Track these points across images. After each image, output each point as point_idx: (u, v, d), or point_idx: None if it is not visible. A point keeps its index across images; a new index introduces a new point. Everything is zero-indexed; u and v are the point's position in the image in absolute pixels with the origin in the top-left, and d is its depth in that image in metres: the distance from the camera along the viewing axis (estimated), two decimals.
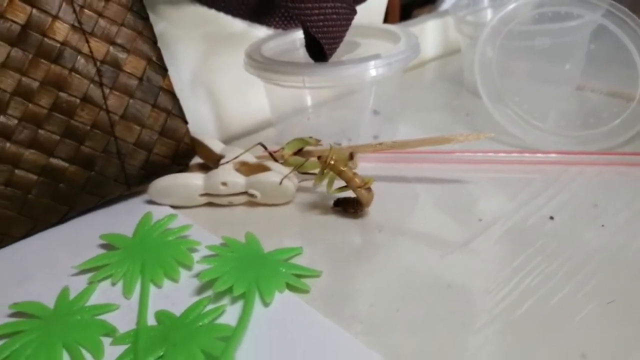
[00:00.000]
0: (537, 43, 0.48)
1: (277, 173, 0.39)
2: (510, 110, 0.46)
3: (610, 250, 0.33)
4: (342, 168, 0.36)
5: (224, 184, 0.38)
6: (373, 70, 0.41)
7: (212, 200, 0.40)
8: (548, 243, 0.34)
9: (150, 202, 0.40)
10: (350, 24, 0.42)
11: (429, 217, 0.38)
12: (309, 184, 0.41)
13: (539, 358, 0.26)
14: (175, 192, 0.39)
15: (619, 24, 0.45)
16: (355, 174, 0.37)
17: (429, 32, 0.69)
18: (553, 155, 0.43)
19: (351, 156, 0.37)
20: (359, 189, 0.36)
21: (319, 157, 0.37)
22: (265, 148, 0.40)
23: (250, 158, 0.40)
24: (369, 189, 0.37)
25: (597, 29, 0.47)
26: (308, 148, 0.41)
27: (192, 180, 0.39)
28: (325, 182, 0.38)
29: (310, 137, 0.39)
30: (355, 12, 0.42)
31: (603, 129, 0.45)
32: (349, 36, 0.44)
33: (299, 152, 0.40)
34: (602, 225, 0.35)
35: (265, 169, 0.39)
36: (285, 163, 0.39)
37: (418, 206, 0.40)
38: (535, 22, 0.49)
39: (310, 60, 0.44)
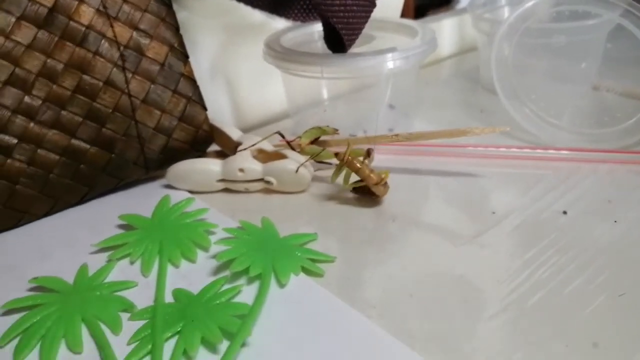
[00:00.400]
0: (554, 41, 0.48)
1: (293, 161, 0.39)
2: (526, 107, 0.47)
3: (622, 245, 0.33)
4: (358, 166, 0.37)
5: (241, 170, 0.39)
6: (390, 62, 0.42)
7: (228, 187, 0.40)
8: (560, 237, 0.34)
9: (168, 186, 0.41)
10: (369, 16, 0.42)
11: (442, 209, 0.38)
12: (324, 173, 0.41)
13: (551, 346, 0.26)
14: (192, 177, 0.40)
15: (637, 23, 0.46)
16: (372, 170, 0.37)
17: (445, 29, 0.70)
18: (566, 152, 0.43)
19: (368, 153, 0.37)
20: (375, 186, 0.37)
21: (336, 154, 0.38)
22: (283, 136, 0.41)
23: (267, 146, 0.41)
24: (385, 184, 0.37)
25: (614, 29, 0.48)
26: (325, 137, 0.41)
27: (210, 166, 0.39)
28: (342, 175, 0.38)
29: (327, 126, 0.40)
30: (374, 5, 0.42)
31: (617, 128, 0.45)
32: (366, 29, 0.44)
33: (315, 141, 0.41)
34: (615, 221, 0.35)
35: (282, 156, 0.40)
36: (302, 152, 0.40)
37: (431, 198, 0.40)
38: (552, 20, 0.49)
39: (328, 52, 0.44)
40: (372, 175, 0.37)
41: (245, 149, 0.40)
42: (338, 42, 0.43)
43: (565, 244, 0.34)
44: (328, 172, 0.40)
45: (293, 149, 0.41)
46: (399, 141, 0.40)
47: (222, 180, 0.40)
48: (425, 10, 0.89)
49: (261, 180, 0.40)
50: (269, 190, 0.40)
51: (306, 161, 0.39)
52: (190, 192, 0.40)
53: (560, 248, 0.33)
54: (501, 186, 0.41)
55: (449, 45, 0.71)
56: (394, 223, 0.37)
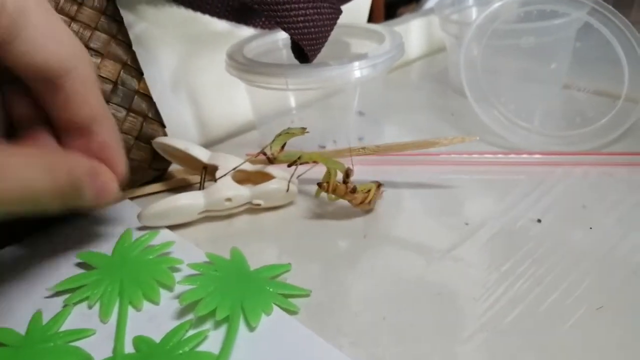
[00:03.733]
0: (522, 42, 0.48)
1: (281, 180, 0.38)
2: (496, 110, 0.46)
3: (598, 253, 0.32)
4: (342, 193, 0.36)
5: (229, 199, 0.37)
6: (357, 71, 0.41)
7: (211, 215, 0.38)
8: (536, 246, 0.33)
9: (130, 211, 0.39)
10: (334, 24, 0.41)
11: (414, 221, 0.37)
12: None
13: None
14: (172, 216, 0.36)
15: (604, 21, 0.45)
16: (355, 190, 0.36)
17: (413, 31, 0.69)
18: (539, 156, 0.42)
19: (347, 174, 0.36)
20: (360, 205, 0.37)
21: (319, 185, 0.36)
22: (265, 154, 0.38)
23: (244, 165, 0.39)
24: (369, 202, 0.37)
25: (582, 27, 0.47)
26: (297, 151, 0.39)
27: (191, 201, 0.36)
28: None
29: (293, 128, 0.38)
30: (340, 12, 0.41)
31: (589, 129, 0.44)
32: (333, 35, 0.43)
33: (284, 146, 0.38)
34: (590, 228, 0.35)
35: (266, 176, 0.38)
36: (276, 160, 0.38)
37: (403, 210, 0.39)
38: (520, 20, 0.48)
39: (294, 61, 0.43)
40: (356, 195, 0.36)
41: (225, 175, 0.37)
42: (303, 52, 0.41)
43: (541, 254, 0.33)
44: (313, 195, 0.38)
45: (272, 162, 0.39)
46: (366, 154, 0.39)
47: (205, 211, 0.37)
48: (395, 7, 0.89)
49: (247, 203, 0.38)
50: (240, 212, 0.39)
51: (292, 176, 0.37)
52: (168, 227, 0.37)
53: (536, 259, 0.32)
54: (474, 195, 0.40)
55: (417, 46, 0.70)
56: (365, 239, 0.35)
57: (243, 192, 0.37)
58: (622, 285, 0.30)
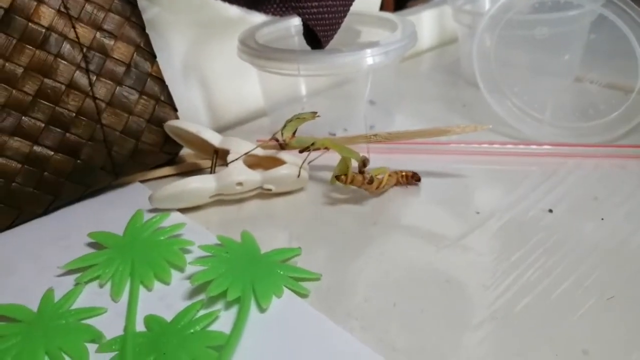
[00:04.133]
0: (536, 32, 0.47)
1: (292, 165, 0.38)
2: (509, 101, 0.46)
3: (609, 244, 0.32)
4: (359, 184, 0.37)
5: (240, 184, 0.37)
6: (370, 58, 0.40)
7: (222, 198, 0.38)
8: (547, 237, 0.33)
9: (141, 193, 0.39)
10: (348, 10, 0.41)
11: (424, 210, 0.37)
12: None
13: (540, 354, 0.25)
14: (183, 198, 0.36)
15: (618, 13, 0.44)
16: (371, 180, 0.37)
17: (425, 22, 0.68)
18: (550, 147, 0.42)
19: (364, 163, 0.36)
20: (375, 190, 0.37)
21: (337, 177, 0.36)
22: (277, 140, 0.38)
23: (257, 150, 0.39)
24: (381, 186, 0.37)
25: (597, 19, 0.47)
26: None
27: (203, 184, 0.36)
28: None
29: (303, 113, 0.38)
30: None
31: (601, 121, 0.44)
32: (345, 23, 0.43)
33: (295, 132, 0.38)
34: (602, 219, 0.34)
35: (277, 161, 0.38)
36: (288, 146, 0.38)
37: (413, 198, 0.39)
38: (534, 11, 0.48)
39: (306, 48, 0.43)
40: (373, 184, 0.37)
41: (237, 159, 0.37)
42: (316, 38, 0.41)
43: (552, 244, 0.32)
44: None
45: (284, 148, 0.39)
46: (377, 141, 0.39)
47: (216, 195, 0.37)
48: (404, 1, 0.88)
49: (258, 188, 0.38)
50: (251, 196, 0.39)
51: (304, 162, 0.38)
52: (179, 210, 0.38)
53: (547, 249, 0.32)
54: (485, 184, 0.40)
55: (428, 37, 0.69)
56: (375, 226, 0.35)
57: (254, 177, 0.37)
58: (633, 277, 0.30)
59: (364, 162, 0.36)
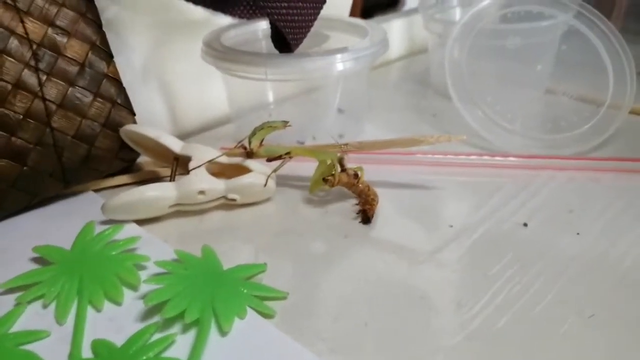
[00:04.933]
0: (508, 43, 0.47)
1: (259, 174, 0.35)
2: (480, 111, 0.45)
3: (587, 259, 0.31)
4: (346, 181, 0.35)
5: (202, 192, 0.34)
6: (340, 64, 0.39)
7: (182, 209, 0.35)
8: (523, 251, 0.32)
9: (94, 204, 0.36)
10: (318, 14, 0.39)
11: (397, 222, 0.36)
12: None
13: None
14: (140, 208, 0.34)
15: (589, 25, 0.44)
16: (357, 175, 0.35)
17: (394, 31, 0.67)
18: (524, 159, 0.41)
19: (341, 163, 0.34)
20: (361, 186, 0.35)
21: (325, 180, 0.34)
22: (245, 148, 0.36)
23: (221, 158, 0.36)
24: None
25: (568, 31, 0.46)
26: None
27: (163, 193, 0.34)
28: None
29: (275, 121, 0.36)
30: (324, 2, 0.39)
31: (574, 133, 0.43)
32: (315, 28, 0.41)
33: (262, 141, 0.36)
34: (578, 233, 0.33)
35: (243, 169, 0.36)
36: (255, 155, 0.36)
37: (386, 210, 0.37)
38: (506, 21, 0.48)
39: (274, 51, 0.41)
40: (360, 180, 0.35)
41: (199, 166, 0.35)
42: (284, 42, 0.39)
43: (529, 259, 0.31)
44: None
45: (251, 156, 0.36)
46: (349, 151, 0.37)
47: (176, 204, 0.35)
48: (371, 12, 0.87)
49: (222, 198, 0.35)
50: (213, 207, 0.36)
51: (272, 172, 0.35)
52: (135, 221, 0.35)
53: (523, 264, 0.31)
54: (457, 196, 0.38)
55: (398, 47, 0.69)
56: (346, 239, 0.33)
57: (218, 186, 0.35)
58: (613, 292, 0.29)
59: (341, 162, 0.34)
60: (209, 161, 0.35)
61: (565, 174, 0.40)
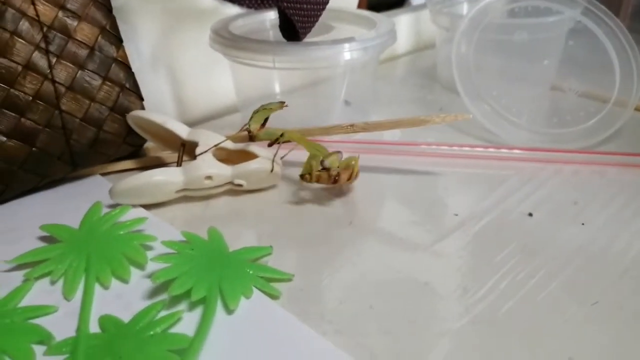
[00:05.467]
0: (515, 37, 0.47)
1: (265, 159, 0.35)
2: (486, 105, 0.45)
3: (591, 249, 0.31)
4: (326, 181, 0.35)
5: (209, 177, 0.34)
6: (347, 53, 0.39)
7: (188, 194, 0.35)
8: (528, 240, 0.32)
9: (101, 187, 0.36)
10: (326, 4, 0.39)
11: (402, 211, 0.36)
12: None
13: None
14: (147, 192, 0.34)
15: (597, 22, 0.44)
16: (336, 180, 0.35)
17: (401, 26, 0.67)
18: (530, 152, 0.41)
19: (322, 162, 0.35)
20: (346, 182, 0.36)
21: (301, 177, 0.35)
22: (249, 131, 0.36)
23: (228, 143, 0.36)
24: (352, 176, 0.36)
25: (575, 27, 0.46)
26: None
27: (170, 178, 0.34)
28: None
29: (271, 103, 0.36)
30: None
31: (579, 128, 0.44)
32: (323, 19, 0.41)
33: (265, 123, 0.36)
34: (583, 224, 0.34)
35: (249, 155, 0.36)
36: (256, 138, 0.36)
37: (391, 199, 0.37)
38: (514, 15, 0.48)
39: (282, 40, 0.41)
40: (342, 178, 0.35)
41: (206, 151, 0.35)
42: (293, 31, 0.39)
43: (533, 248, 0.31)
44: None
45: (253, 140, 0.37)
46: (355, 132, 0.37)
47: (183, 190, 0.35)
48: (378, 9, 0.87)
49: (228, 183, 0.36)
50: (219, 193, 0.36)
51: (275, 155, 0.36)
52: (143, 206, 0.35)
53: (528, 253, 0.31)
54: (463, 187, 0.38)
55: (405, 42, 0.69)
56: (351, 227, 0.34)
57: (224, 171, 0.35)
58: (616, 282, 0.29)
59: (323, 161, 0.34)
60: (216, 146, 0.35)
61: (571, 167, 0.40)
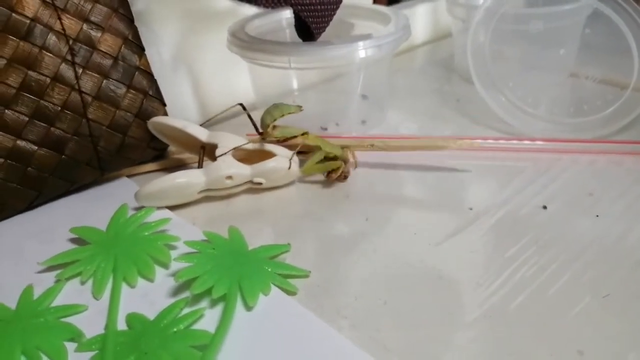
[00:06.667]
0: (531, 27, 0.46)
1: (282, 158, 0.37)
2: (503, 96, 0.45)
3: (605, 241, 0.32)
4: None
5: (230, 177, 0.36)
6: (362, 51, 0.40)
7: (210, 194, 0.37)
8: (541, 233, 0.33)
9: (127, 189, 0.38)
10: (340, 2, 0.40)
11: (417, 205, 0.37)
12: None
13: (534, 354, 0.25)
14: (170, 195, 0.35)
15: (615, 8, 0.44)
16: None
17: (419, 16, 0.68)
18: (546, 143, 0.41)
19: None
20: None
21: (328, 174, 0.38)
22: (245, 109, 0.38)
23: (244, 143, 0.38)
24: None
25: (592, 14, 0.46)
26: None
27: (192, 179, 0.35)
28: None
29: (289, 106, 0.37)
30: None
31: (597, 117, 0.43)
32: (338, 15, 0.42)
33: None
34: (597, 216, 0.34)
35: (267, 154, 0.37)
36: (269, 135, 0.37)
37: (406, 193, 0.38)
38: (529, 5, 0.47)
39: (298, 40, 0.42)
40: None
41: (226, 153, 0.36)
42: (308, 31, 0.40)
43: (547, 241, 0.32)
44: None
45: (263, 137, 0.38)
46: (374, 150, 0.38)
47: (205, 190, 0.36)
48: None
49: (248, 182, 0.37)
50: (239, 192, 0.38)
51: (294, 154, 0.37)
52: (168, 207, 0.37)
53: (541, 246, 0.32)
54: (478, 180, 0.39)
55: (422, 32, 0.69)
56: (367, 222, 0.35)
57: (244, 170, 0.36)
58: (628, 274, 0.29)
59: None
60: (235, 148, 0.37)
61: (587, 157, 0.40)
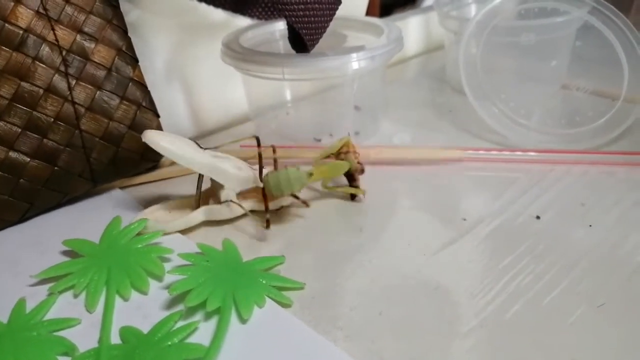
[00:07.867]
0: (522, 39, 0.47)
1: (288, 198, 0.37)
2: (495, 107, 0.45)
3: (599, 251, 0.32)
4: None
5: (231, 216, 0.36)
6: (355, 63, 0.40)
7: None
8: (535, 243, 0.33)
9: (120, 200, 0.38)
10: (334, 14, 0.40)
11: (411, 216, 0.37)
12: None
13: None
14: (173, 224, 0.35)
15: (605, 21, 0.45)
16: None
17: (411, 28, 0.68)
18: (537, 153, 0.41)
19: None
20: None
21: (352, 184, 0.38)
22: (259, 144, 0.36)
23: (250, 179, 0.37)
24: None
25: (583, 27, 0.47)
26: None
27: (192, 222, 0.35)
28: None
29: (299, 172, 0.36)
30: (339, 2, 0.40)
31: (588, 128, 0.44)
32: (331, 27, 0.42)
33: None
34: (590, 225, 0.34)
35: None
36: (314, 180, 0.36)
37: (399, 204, 0.38)
38: (521, 17, 0.48)
39: (291, 51, 0.42)
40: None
41: (230, 201, 0.35)
42: (301, 43, 0.40)
43: (541, 250, 0.32)
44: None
45: (260, 160, 0.37)
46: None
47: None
48: (390, 9, 0.88)
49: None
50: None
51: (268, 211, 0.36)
52: None
53: (536, 255, 0.32)
54: (471, 191, 0.39)
55: (415, 44, 0.69)
56: (361, 233, 0.35)
57: (248, 206, 0.36)
58: (623, 283, 0.29)
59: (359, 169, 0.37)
60: (238, 193, 0.37)
61: (580, 167, 0.40)
